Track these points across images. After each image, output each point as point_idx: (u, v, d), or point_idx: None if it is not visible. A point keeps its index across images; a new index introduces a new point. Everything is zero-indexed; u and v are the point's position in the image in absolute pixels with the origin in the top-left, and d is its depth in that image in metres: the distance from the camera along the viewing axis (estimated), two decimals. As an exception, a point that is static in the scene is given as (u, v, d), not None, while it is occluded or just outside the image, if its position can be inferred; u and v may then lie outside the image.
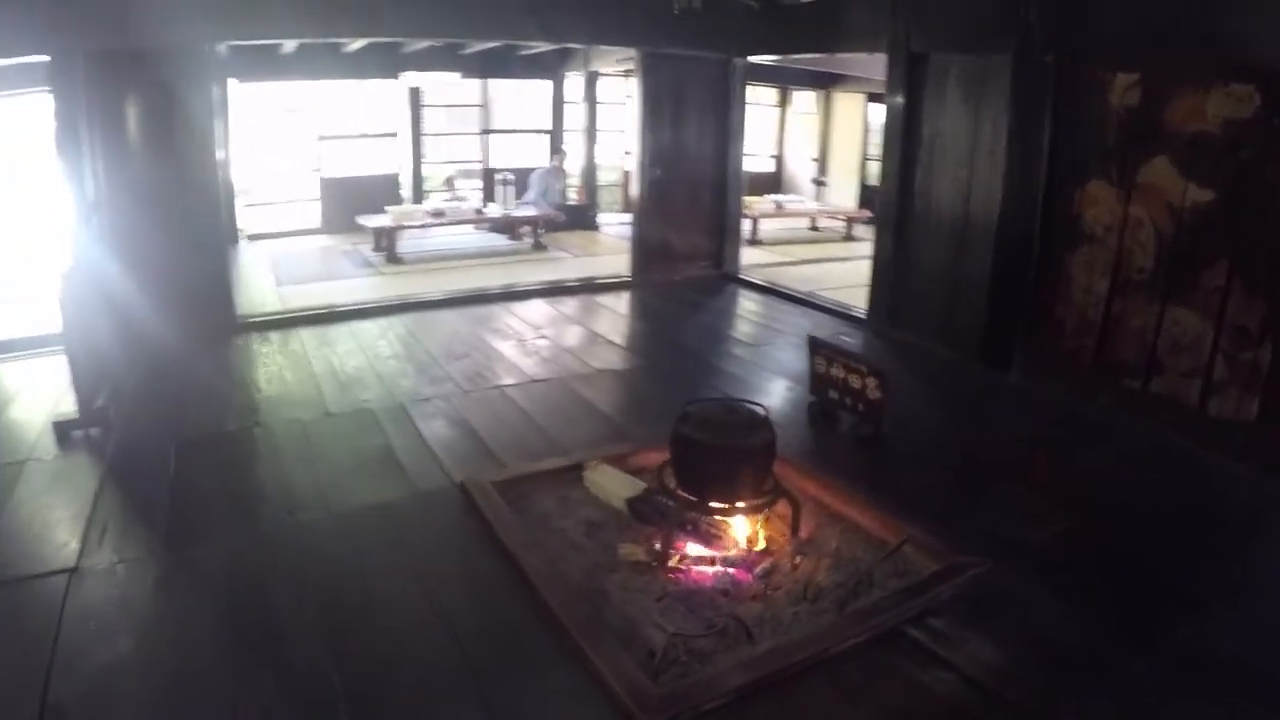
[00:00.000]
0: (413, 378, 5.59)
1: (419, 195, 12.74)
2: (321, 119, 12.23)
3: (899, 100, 6.53)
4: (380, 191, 11.85)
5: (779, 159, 15.50)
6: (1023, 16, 5.51)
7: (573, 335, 6.90)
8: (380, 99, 12.87)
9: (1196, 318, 4.81)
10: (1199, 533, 3.86)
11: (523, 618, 3.05)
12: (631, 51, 8.37)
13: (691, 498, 3.53)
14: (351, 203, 11.38)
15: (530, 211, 11.55)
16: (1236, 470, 4.45)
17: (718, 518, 3.54)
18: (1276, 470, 4.39)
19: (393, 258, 10.01)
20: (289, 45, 9.86)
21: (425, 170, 13.17)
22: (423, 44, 10.31)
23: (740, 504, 3.51)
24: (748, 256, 9.72)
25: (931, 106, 6.35)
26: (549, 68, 12.66)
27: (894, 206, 6.72)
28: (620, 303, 8.04)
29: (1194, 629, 3.10)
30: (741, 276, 8.89)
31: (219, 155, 8.12)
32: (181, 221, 6.20)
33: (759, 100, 14.92)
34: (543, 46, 10.79)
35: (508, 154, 13.57)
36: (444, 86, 13.01)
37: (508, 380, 5.59)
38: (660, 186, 8.55)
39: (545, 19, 7.38)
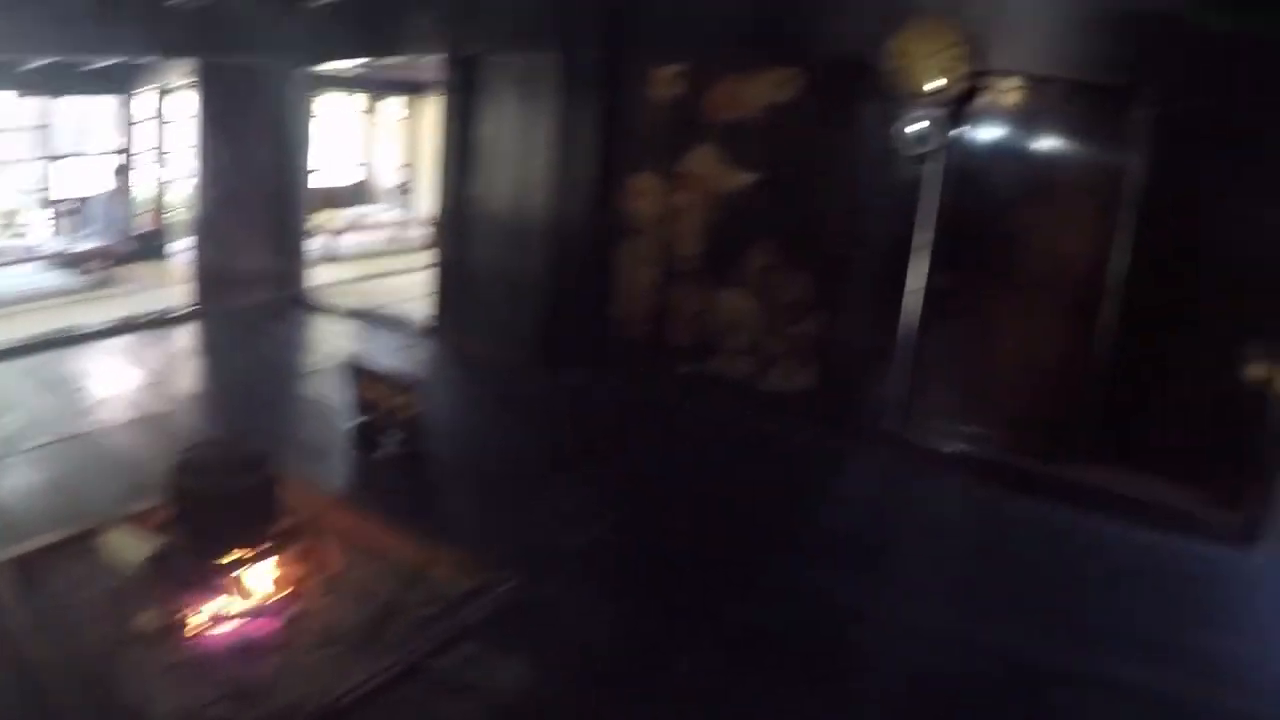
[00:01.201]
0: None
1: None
2: None
3: (454, 103, 6.62)
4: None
5: (367, 168, 15.30)
6: (569, 15, 5.68)
7: (121, 380, 6.50)
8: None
9: (747, 297, 5.20)
10: (754, 505, 4.12)
11: (26, 716, 2.89)
12: (194, 63, 7.94)
13: (202, 552, 3.45)
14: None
15: (94, 243, 10.67)
16: (794, 438, 4.79)
17: (232, 569, 3.46)
18: (833, 432, 4.77)
19: (-69, 313, 8.74)
20: None
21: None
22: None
23: (251, 550, 3.48)
24: (325, 274, 9.59)
25: (486, 108, 6.48)
26: (118, 82, 11.65)
27: (453, 212, 6.80)
28: (181, 337, 7.68)
29: (744, 606, 3.26)
30: (312, 299, 8.71)
31: None
32: None
33: (345, 109, 14.62)
34: (106, 60, 9.98)
35: (77, 180, 12.19)
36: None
37: (35, 442, 5.15)
38: (222, 207, 8.23)
39: (100, 29, 6.89)
